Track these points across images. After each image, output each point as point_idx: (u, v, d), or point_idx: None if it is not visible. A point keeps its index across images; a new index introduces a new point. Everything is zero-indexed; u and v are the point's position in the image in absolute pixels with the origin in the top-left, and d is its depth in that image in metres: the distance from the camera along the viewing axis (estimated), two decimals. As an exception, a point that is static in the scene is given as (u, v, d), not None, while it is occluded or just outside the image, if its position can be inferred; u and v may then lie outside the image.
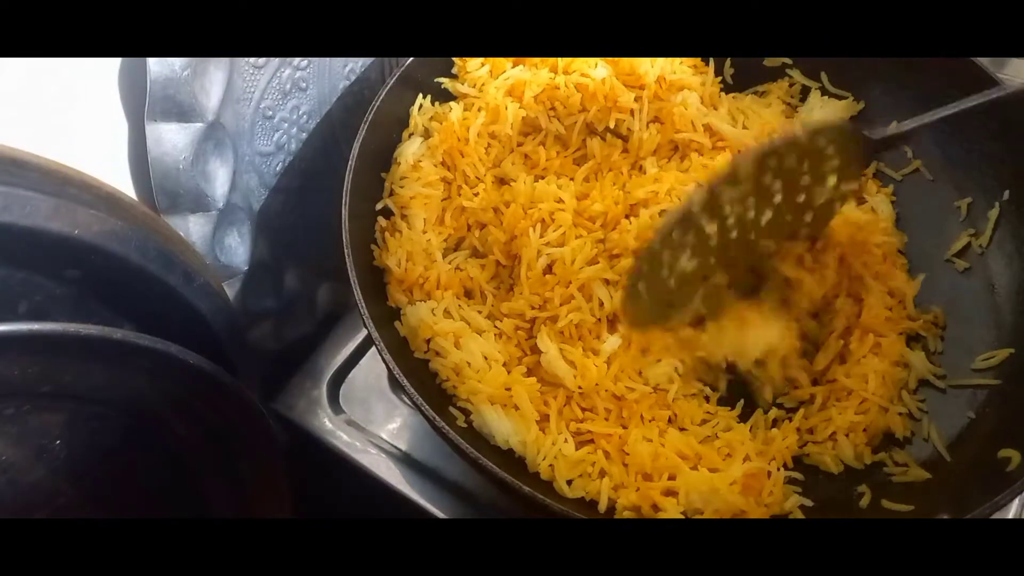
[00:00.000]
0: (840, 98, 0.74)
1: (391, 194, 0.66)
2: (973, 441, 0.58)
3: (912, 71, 0.69)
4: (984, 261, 0.65)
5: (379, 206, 0.66)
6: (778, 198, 0.58)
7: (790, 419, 0.61)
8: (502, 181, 0.69)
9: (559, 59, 0.70)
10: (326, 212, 0.73)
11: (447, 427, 0.52)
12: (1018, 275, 0.63)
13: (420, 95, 0.70)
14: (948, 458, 0.58)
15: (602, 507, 0.55)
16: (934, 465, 0.58)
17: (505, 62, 0.71)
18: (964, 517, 0.50)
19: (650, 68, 0.71)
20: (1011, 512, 0.65)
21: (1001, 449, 0.53)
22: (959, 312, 0.65)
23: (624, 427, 0.58)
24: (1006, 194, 0.65)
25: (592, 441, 0.57)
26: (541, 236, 0.64)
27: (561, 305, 0.61)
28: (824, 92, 0.75)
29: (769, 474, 0.57)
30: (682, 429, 0.60)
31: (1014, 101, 0.56)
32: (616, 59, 0.71)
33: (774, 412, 0.62)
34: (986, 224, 0.65)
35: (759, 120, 0.73)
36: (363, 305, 0.55)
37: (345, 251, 0.57)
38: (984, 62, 0.65)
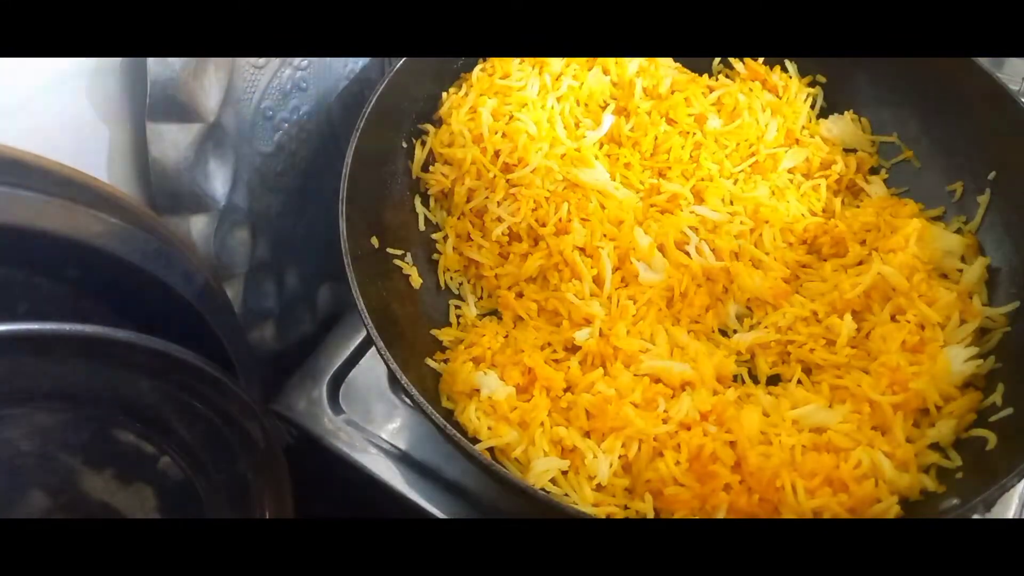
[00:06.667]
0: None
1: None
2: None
3: (910, 70, 0.69)
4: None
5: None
6: None
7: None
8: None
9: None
10: (326, 212, 0.73)
11: (448, 426, 0.52)
12: (1008, 256, 0.64)
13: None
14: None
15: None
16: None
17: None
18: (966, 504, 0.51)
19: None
20: (1011, 512, 0.65)
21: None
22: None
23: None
24: (991, 175, 0.66)
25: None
26: None
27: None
28: (814, 84, 0.75)
29: None
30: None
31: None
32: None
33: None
34: (976, 208, 0.66)
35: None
36: (363, 307, 0.55)
37: (344, 259, 0.57)
38: (983, 62, 0.65)
